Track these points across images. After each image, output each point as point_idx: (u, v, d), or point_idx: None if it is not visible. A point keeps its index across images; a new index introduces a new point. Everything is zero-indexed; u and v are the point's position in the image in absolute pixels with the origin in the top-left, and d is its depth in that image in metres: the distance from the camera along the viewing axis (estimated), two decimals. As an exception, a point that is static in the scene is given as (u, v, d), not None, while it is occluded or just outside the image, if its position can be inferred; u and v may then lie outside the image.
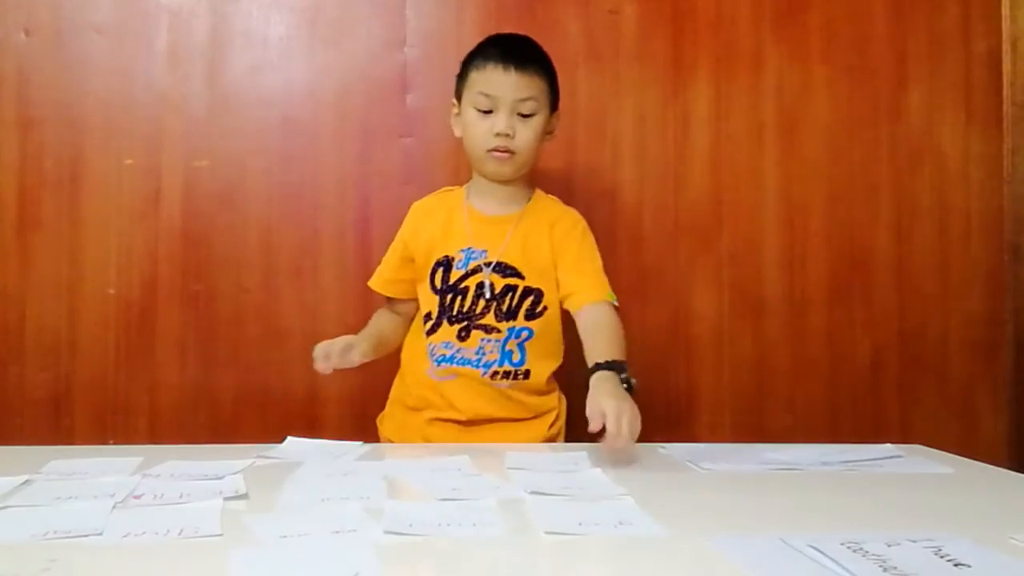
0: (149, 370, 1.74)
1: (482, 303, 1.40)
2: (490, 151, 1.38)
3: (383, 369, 1.57)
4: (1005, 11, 1.87)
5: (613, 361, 1.24)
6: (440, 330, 1.41)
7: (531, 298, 1.41)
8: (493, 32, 1.53)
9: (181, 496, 0.91)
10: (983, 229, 1.87)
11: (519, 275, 1.41)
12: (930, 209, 1.86)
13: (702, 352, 1.83)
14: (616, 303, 1.40)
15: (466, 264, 1.41)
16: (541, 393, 1.44)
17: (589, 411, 1.13)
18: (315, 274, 1.78)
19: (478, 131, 1.39)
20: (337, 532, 0.78)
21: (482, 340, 1.40)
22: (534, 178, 1.54)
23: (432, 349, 1.42)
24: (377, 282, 1.53)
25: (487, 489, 0.97)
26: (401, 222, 1.58)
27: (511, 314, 1.40)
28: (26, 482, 0.98)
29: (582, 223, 1.46)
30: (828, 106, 1.85)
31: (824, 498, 0.98)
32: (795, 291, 1.84)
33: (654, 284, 1.81)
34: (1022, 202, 1.85)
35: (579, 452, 1.21)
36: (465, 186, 1.50)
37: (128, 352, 1.74)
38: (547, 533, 0.79)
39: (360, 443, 1.30)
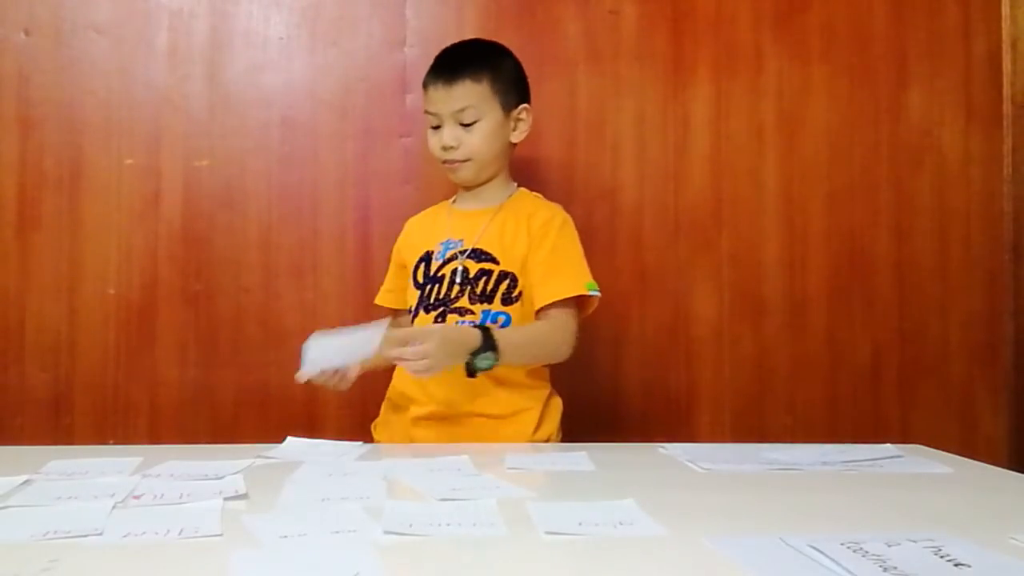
0: (149, 370, 1.74)
1: (456, 288, 1.42)
2: (444, 163, 1.46)
3: (383, 370, 1.56)
4: (1005, 11, 1.87)
5: (490, 336, 1.27)
6: (418, 319, 1.45)
7: (507, 282, 1.42)
8: (493, 32, 1.53)
9: (181, 496, 0.91)
10: (983, 229, 1.87)
11: (494, 260, 1.43)
12: (930, 209, 1.86)
13: (702, 352, 1.83)
14: (596, 292, 1.40)
15: (443, 255, 1.46)
16: (515, 387, 1.41)
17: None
18: (315, 274, 1.78)
19: (432, 147, 1.47)
20: (337, 532, 0.78)
21: (457, 323, 1.40)
22: (516, 176, 1.54)
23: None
24: (384, 298, 1.57)
25: (487, 489, 0.97)
26: (401, 222, 1.58)
27: (487, 297, 1.41)
28: (26, 482, 0.98)
29: (561, 215, 1.46)
30: (828, 106, 1.85)
31: (824, 498, 0.98)
32: (795, 291, 1.84)
33: (654, 284, 1.81)
34: (1022, 202, 1.85)
35: (578, 452, 1.20)
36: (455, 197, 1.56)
37: (128, 352, 1.74)
38: (547, 533, 0.79)
39: (360, 443, 1.30)
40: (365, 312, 1.74)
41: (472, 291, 1.41)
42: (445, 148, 1.44)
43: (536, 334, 1.38)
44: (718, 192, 1.84)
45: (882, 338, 1.85)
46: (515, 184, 1.53)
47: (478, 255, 1.44)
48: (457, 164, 1.44)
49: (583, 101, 1.82)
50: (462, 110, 1.42)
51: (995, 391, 1.86)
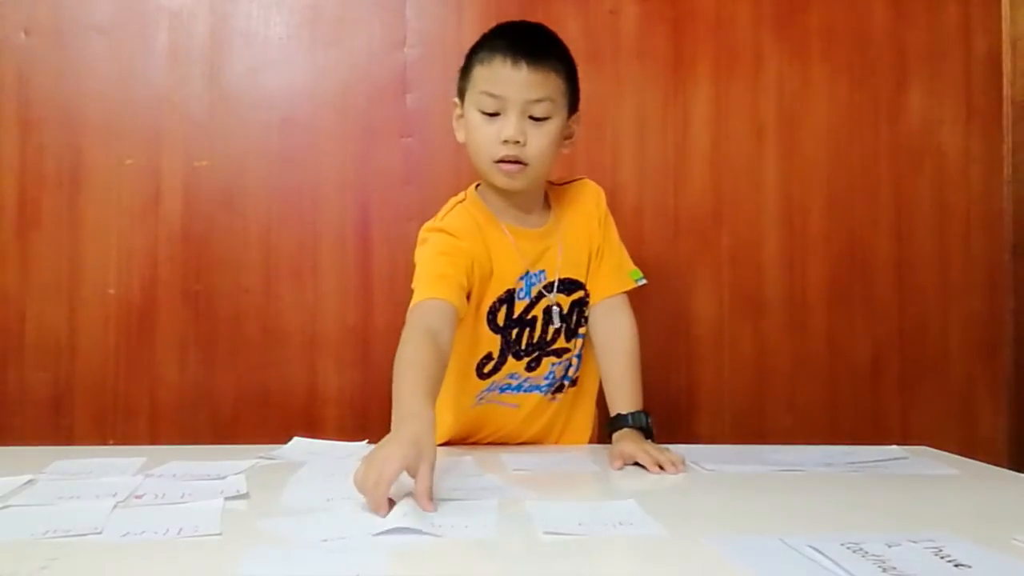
0: (149, 370, 1.74)
1: (552, 330, 1.27)
2: (498, 162, 1.18)
3: (384, 368, 1.56)
4: (1005, 11, 1.87)
5: (636, 413, 1.22)
6: (505, 367, 1.27)
7: (587, 304, 1.31)
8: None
9: (183, 496, 0.91)
10: (983, 229, 1.87)
11: (581, 286, 1.30)
12: (930, 209, 1.86)
13: (702, 352, 1.83)
14: (641, 281, 1.34)
15: (528, 292, 1.25)
16: (586, 406, 1.36)
17: (611, 455, 1.15)
18: (315, 274, 1.78)
19: (484, 138, 1.19)
20: (338, 532, 0.78)
21: (552, 365, 1.29)
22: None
23: (492, 385, 1.28)
24: (446, 289, 1.16)
25: (487, 489, 0.97)
26: (401, 223, 1.57)
27: (577, 328, 1.30)
28: (29, 482, 0.98)
29: (603, 195, 1.34)
30: (828, 106, 1.85)
31: (825, 499, 0.98)
32: (795, 291, 1.84)
33: (654, 284, 1.80)
34: (1022, 202, 1.85)
35: (579, 452, 1.20)
36: (477, 195, 1.29)
37: (128, 352, 1.74)
38: (547, 533, 0.79)
39: (365, 443, 1.30)
40: (365, 312, 1.75)
41: (568, 327, 1.28)
42: (507, 141, 1.16)
43: (637, 363, 1.28)
44: (718, 192, 1.84)
45: (882, 338, 1.85)
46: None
47: (568, 286, 1.28)
48: (516, 167, 1.18)
49: (583, 101, 1.80)
50: (538, 101, 1.17)
51: (995, 391, 1.86)
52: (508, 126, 1.17)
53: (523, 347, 1.26)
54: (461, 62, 1.27)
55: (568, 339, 1.29)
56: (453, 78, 1.47)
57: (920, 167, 1.87)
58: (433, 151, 1.79)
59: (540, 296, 1.26)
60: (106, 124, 1.75)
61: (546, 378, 1.30)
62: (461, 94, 1.25)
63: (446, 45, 1.78)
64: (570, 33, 1.81)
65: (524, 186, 1.22)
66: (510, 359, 1.26)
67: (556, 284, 1.27)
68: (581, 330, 1.32)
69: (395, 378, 1.05)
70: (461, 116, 1.25)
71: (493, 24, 1.44)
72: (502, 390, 1.29)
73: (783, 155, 1.85)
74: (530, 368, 1.28)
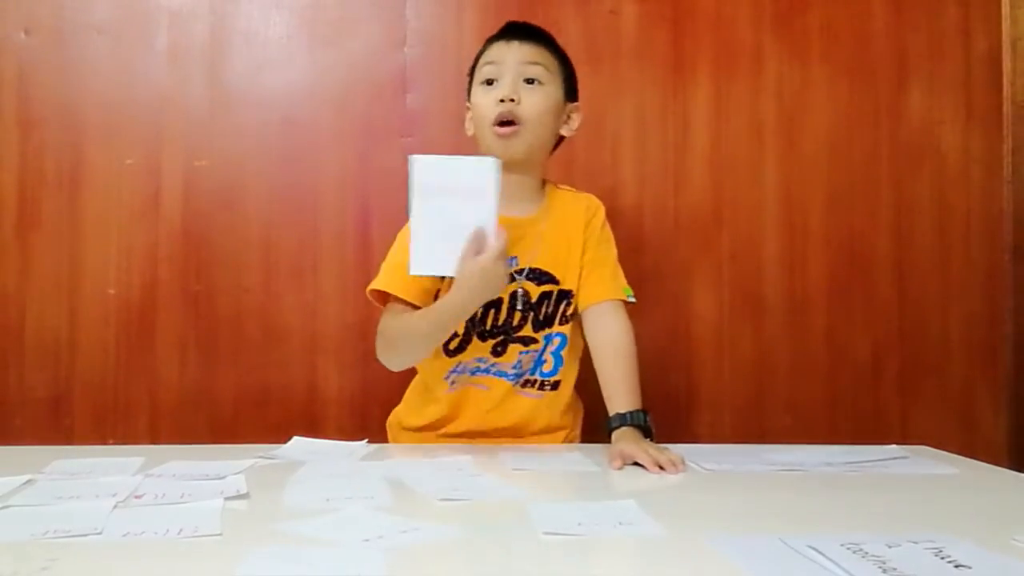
0: (149, 370, 1.74)
1: (518, 315, 1.33)
2: (495, 125, 1.29)
3: (384, 367, 1.56)
4: (1005, 11, 1.87)
5: (635, 412, 1.26)
6: (470, 347, 1.33)
7: (565, 302, 1.35)
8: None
9: (182, 496, 0.91)
10: (983, 229, 1.87)
11: (554, 280, 1.35)
12: (930, 209, 1.86)
13: (702, 352, 1.83)
14: (632, 299, 1.38)
15: None
16: (563, 409, 1.38)
17: (611, 455, 1.17)
18: (315, 274, 1.78)
19: (483, 106, 1.31)
20: (338, 532, 0.78)
21: (520, 353, 1.33)
22: (546, 171, 1.50)
23: (460, 367, 1.34)
24: (409, 290, 1.29)
25: (488, 489, 0.97)
26: (401, 222, 1.56)
27: (548, 321, 1.34)
28: (28, 482, 0.98)
29: (602, 210, 1.42)
30: (828, 106, 1.85)
31: (825, 499, 0.98)
32: (795, 291, 1.84)
33: (654, 284, 1.81)
34: (1022, 202, 1.85)
35: (579, 452, 1.21)
36: None
37: (128, 352, 1.74)
38: (547, 533, 0.79)
39: (365, 442, 1.31)
40: (365, 312, 1.74)
41: (536, 317, 1.33)
42: (504, 100, 1.28)
43: (634, 363, 1.33)
44: (718, 192, 1.84)
45: (882, 338, 1.85)
46: (544, 180, 1.43)
47: (538, 276, 1.33)
48: (510, 129, 1.28)
49: (583, 101, 1.80)
50: (532, 63, 1.31)
51: (995, 391, 1.86)
52: (503, 86, 1.29)
53: (488, 328, 1.32)
54: (461, 62, 1.37)
55: (536, 329, 1.34)
56: (453, 78, 1.47)
57: (920, 167, 1.87)
58: (433, 151, 1.76)
59: (509, 279, 1.30)
60: (106, 124, 1.75)
61: (513, 367, 1.34)
62: (470, 91, 1.37)
63: (446, 45, 1.78)
64: (570, 33, 1.82)
65: (522, 149, 1.30)
66: (475, 339, 1.32)
67: (526, 271, 1.33)
68: (559, 328, 1.35)
69: (407, 329, 1.27)
70: (472, 116, 1.36)
71: (493, 24, 1.45)
72: (472, 373, 1.34)
73: (783, 155, 1.85)
74: (496, 353, 1.33)
